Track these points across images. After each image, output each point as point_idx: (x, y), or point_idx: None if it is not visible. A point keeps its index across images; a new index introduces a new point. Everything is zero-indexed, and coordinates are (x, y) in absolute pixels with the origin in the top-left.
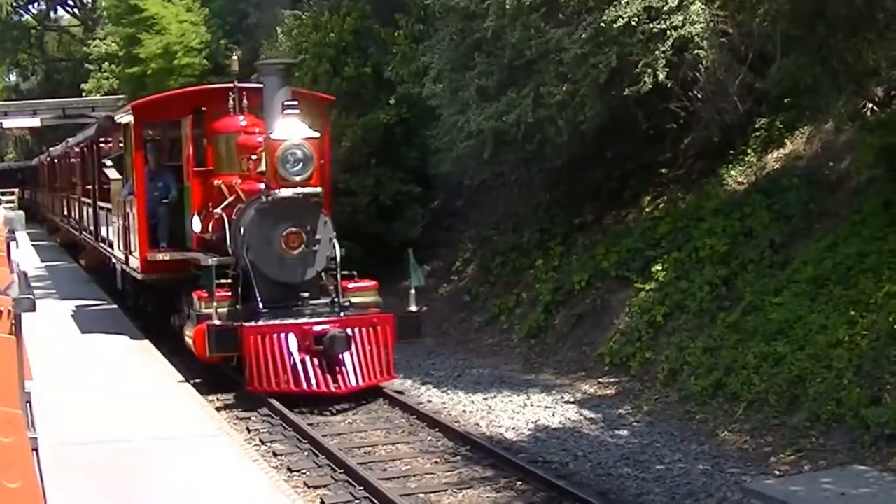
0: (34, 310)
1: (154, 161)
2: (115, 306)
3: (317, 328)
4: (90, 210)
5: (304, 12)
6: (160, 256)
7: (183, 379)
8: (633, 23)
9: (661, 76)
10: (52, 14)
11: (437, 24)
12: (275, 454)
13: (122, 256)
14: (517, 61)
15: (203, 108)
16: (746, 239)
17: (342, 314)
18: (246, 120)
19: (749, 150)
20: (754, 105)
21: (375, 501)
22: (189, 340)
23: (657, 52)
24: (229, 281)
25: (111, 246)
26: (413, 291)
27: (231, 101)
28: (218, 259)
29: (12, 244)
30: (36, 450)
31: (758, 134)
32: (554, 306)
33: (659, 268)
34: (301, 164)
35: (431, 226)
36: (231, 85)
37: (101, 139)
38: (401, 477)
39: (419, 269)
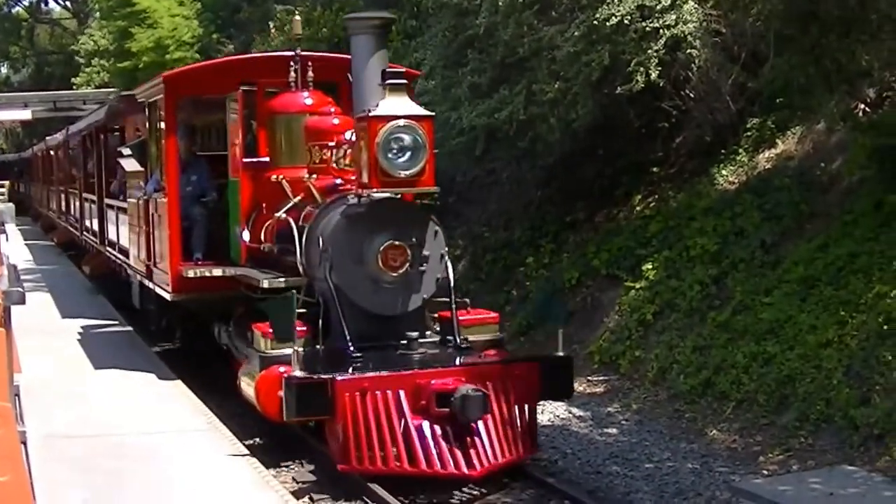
0: (23, 302)
1: (185, 149)
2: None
3: (437, 382)
4: (94, 207)
5: (296, 7)
6: (198, 272)
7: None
8: (626, 21)
9: (654, 75)
10: (43, 6)
11: (429, 21)
12: (264, 449)
13: (141, 268)
14: (510, 58)
15: (254, 83)
16: (737, 238)
17: (460, 360)
18: (312, 97)
19: (740, 150)
20: (746, 105)
21: (366, 498)
22: (249, 391)
23: (650, 51)
24: (301, 310)
25: (125, 254)
26: (560, 331)
27: (292, 74)
28: (284, 279)
29: (2, 237)
30: (24, 443)
31: (749, 134)
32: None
33: (649, 266)
34: (409, 154)
35: None
36: (292, 53)
37: (111, 125)
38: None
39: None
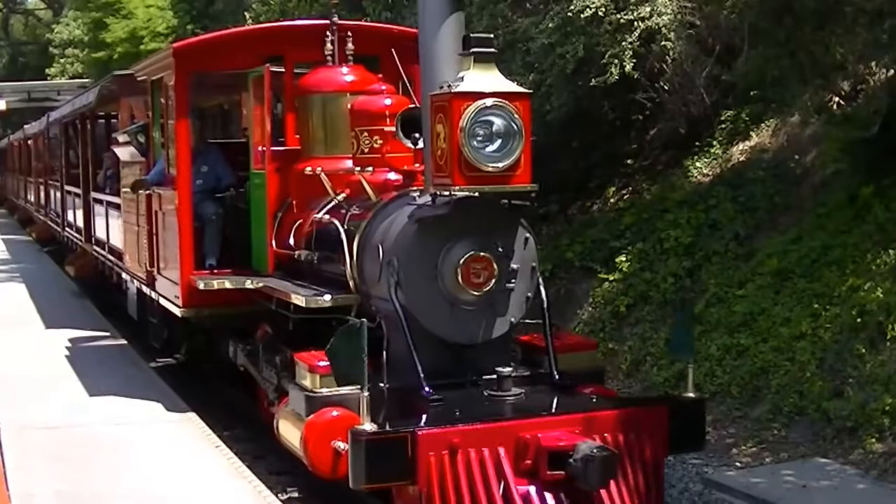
0: None
1: (195, 135)
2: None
3: (546, 435)
4: (78, 201)
5: None
6: (215, 284)
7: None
8: (601, 13)
9: (628, 67)
10: None
11: (403, 12)
12: (237, 440)
13: (140, 274)
14: None
15: (281, 57)
16: (711, 231)
17: (567, 403)
18: (354, 73)
19: (715, 143)
20: (720, 97)
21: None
22: (293, 440)
23: (624, 43)
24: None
25: (118, 256)
26: (691, 367)
27: (329, 46)
28: (330, 297)
29: None
30: None
31: (723, 126)
32: None
33: (623, 258)
34: (500, 142)
35: None
36: (326, 21)
37: (101, 110)
38: None
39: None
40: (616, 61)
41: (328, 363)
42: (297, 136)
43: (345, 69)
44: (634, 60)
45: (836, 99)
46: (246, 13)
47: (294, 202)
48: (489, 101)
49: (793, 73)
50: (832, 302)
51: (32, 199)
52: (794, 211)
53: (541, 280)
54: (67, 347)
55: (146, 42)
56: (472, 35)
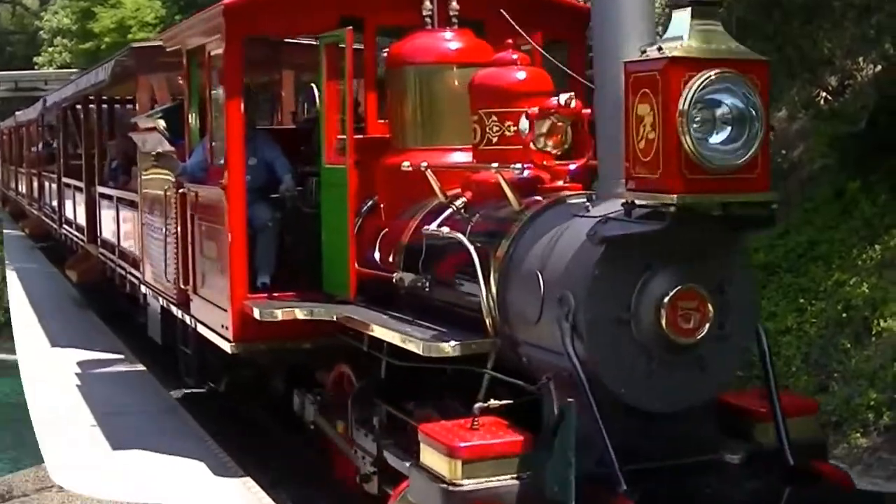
0: None
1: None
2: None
3: None
4: (80, 196)
5: None
6: (279, 314)
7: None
8: None
9: None
10: None
11: None
12: (226, 436)
13: (167, 290)
14: None
15: (360, 18)
16: None
17: (809, 496)
18: (461, 39)
19: None
20: None
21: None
22: None
23: None
24: (502, 401)
25: (134, 263)
26: None
27: (428, 5)
28: (457, 343)
29: None
30: None
31: None
32: None
33: None
34: (731, 131)
35: None
36: None
37: (108, 93)
38: None
39: None
40: None
41: (473, 444)
42: (383, 122)
43: (449, 34)
44: None
45: (824, 94)
46: None
47: (382, 206)
48: (714, 73)
49: (780, 68)
50: (818, 297)
51: (24, 191)
52: (780, 206)
53: (761, 325)
54: (60, 345)
55: (134, 32)
56: None
